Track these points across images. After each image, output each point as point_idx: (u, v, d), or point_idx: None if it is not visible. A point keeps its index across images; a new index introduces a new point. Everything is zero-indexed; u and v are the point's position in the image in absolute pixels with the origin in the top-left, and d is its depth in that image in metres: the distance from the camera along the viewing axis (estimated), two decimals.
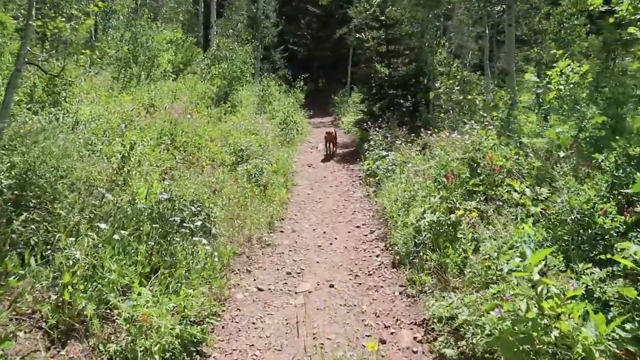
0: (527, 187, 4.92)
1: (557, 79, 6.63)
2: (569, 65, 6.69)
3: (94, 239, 4.13)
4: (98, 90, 10.26)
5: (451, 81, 13.21)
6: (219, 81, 16.44)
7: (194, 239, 4.91)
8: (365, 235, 6.55)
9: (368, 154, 11.21)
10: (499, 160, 5.41)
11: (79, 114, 7.58)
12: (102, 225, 4.36)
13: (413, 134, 10.51)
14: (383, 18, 13.40)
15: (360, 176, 10.53)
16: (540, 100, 9.05)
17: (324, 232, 6.70)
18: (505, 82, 8.63)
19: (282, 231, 6.78)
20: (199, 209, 5.80)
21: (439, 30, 13.05)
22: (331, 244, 6.22)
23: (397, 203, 6.71)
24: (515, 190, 4.90)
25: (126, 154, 6.46)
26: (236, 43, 18.96)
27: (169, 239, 4.75)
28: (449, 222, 4.84)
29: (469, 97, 13.04)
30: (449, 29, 16.94)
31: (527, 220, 4.32)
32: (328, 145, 13.45)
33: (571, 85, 6.50)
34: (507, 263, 3.27)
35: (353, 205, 8.20)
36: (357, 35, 13.52)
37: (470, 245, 4.45)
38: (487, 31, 13.30)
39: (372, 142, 11.46)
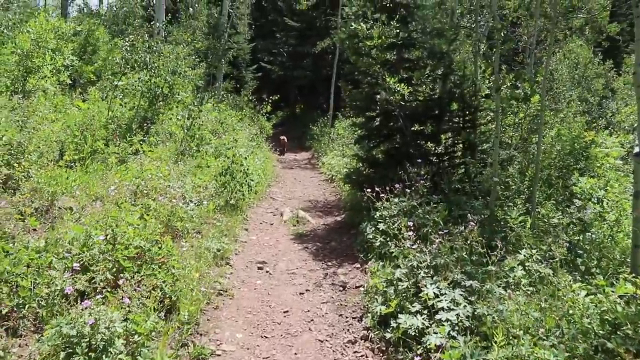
0: None
1: None
2: None
3: None
4: None
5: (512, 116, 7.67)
6: (133, 100, 10.58)
7: None
8: None
9: (378, 251, 5.45)
10: None
11: None
12: None
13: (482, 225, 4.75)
14: None
15: (370, 330, 4.60)
16: None
17: None
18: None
19: None
20: None
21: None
22: None
23: None
24: None
25: None
26: (182, 47, 12.82)
27: None
28: None
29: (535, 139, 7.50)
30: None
31: None
32: (281, 148, 17.41)
33: None
34: None
35: None
36: (352, 25, 7.73)
37: None
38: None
39: (382, 227, 5.70)
